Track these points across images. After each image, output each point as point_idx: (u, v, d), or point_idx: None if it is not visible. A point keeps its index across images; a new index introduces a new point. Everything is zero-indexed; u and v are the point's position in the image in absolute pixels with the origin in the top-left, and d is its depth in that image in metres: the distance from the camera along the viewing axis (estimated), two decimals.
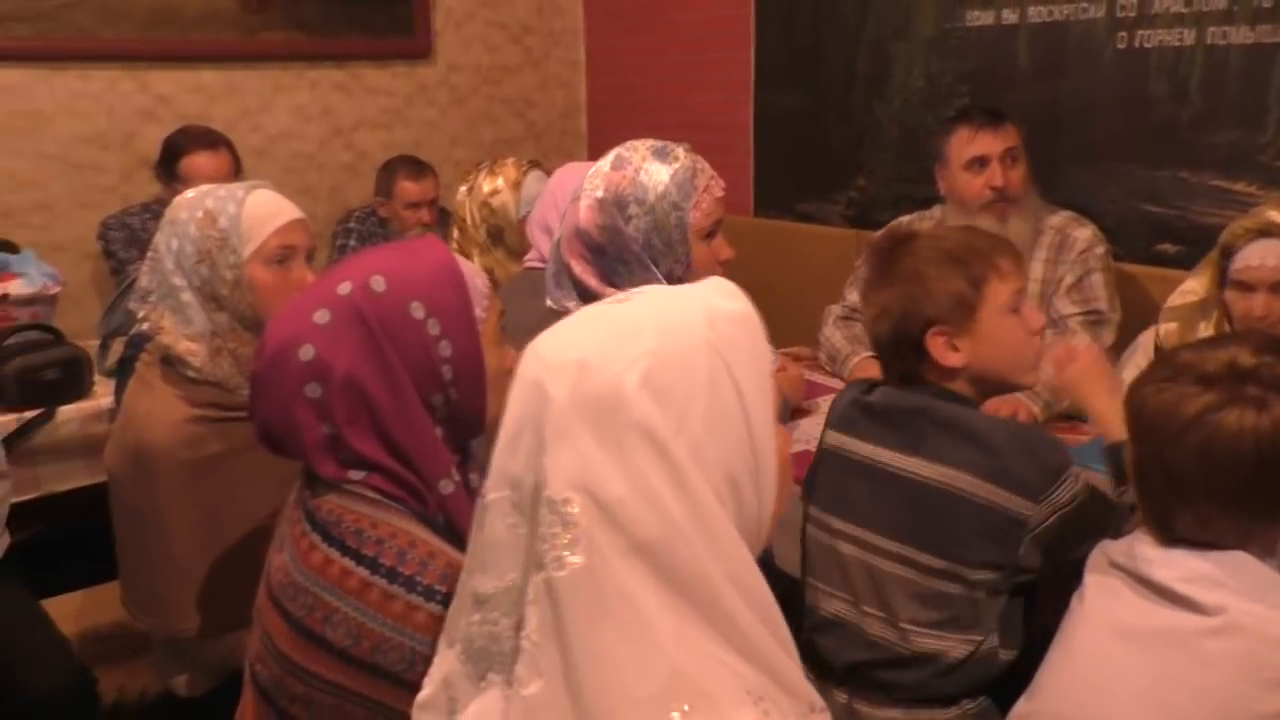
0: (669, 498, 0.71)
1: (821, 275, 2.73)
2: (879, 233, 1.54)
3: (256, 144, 3.27)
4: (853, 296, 2.39)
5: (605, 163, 1.48)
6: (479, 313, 1.10)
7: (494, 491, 0.77)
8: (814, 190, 3.11)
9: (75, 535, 2.23)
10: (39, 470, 2.19)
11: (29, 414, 2.16)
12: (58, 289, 2.42)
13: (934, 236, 1.38)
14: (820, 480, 1.43)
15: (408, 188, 3.03)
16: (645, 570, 0.70)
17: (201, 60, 3.17)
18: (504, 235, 2.44)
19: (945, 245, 1.33)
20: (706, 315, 0.76)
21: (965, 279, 1.30)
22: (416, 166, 3.08)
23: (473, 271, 1.12)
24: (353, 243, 3.07)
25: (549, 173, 2.52)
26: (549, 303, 1.50)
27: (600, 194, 1.43)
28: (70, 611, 2.04)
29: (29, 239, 2.90)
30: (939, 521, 1.28)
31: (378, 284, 1.05)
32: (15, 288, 2.31)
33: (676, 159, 1.46)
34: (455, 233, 2.48)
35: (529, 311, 1.74)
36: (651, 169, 1.44)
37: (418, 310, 1.05)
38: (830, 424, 1.43)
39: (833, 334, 2.36)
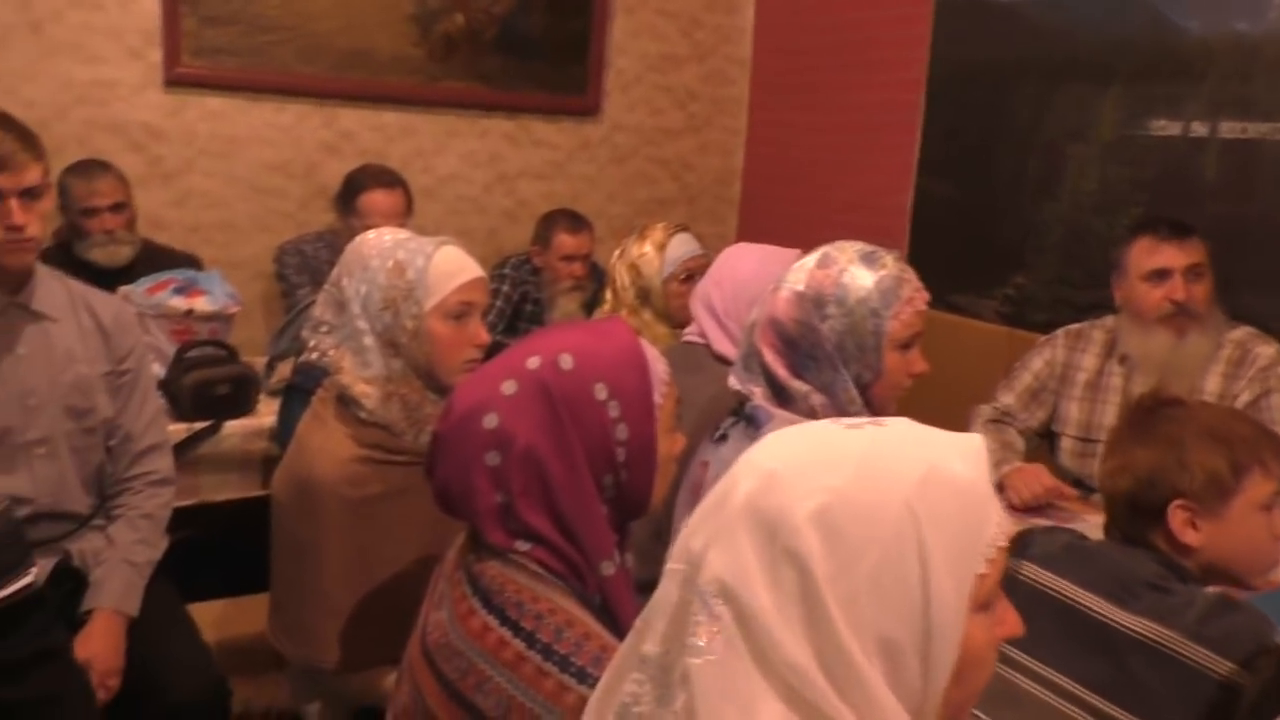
0: (805, 634, 0.69)
1: (971, 370, 2.67)
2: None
3: (426, 184, 3.42)
4: (1006, 399, 2.33)
5: (811, 259, 1.47)
6: (657, 398, 1.11)
7: (674, 563, 0.78)
8: (970, 283, 3.05)
9: (222, 544, 2.33)
10: (199, 479, 2.31)
11: (198, 425, 2.28)
12: (236, 309, 2.56)
13: (1203, 409, 1.35)
14: None
15: (565, 240, 3.11)
16: (770, 689, 0.69)
17: (385, 101, 3.34)
18: (650, 297, 2.48)
19: (1213, 422, 1.30)
20: (925, 472, 0.72)
21: (1228, 462, 1.26)
22: (575, 220, 3.16)
23: (655, 357, 1.14)
24: (505, 288, 3.16)
25: (696, 236, 2.56)
26: (733, 382, 1.50)
27: (801, 288, 1.43)
28: (211, 619, 2.13)
29: (211, 255, 3.09)
30: (1141, 679, 1.22)
31: (565, 362, 1.08)
32: (200, 304, 2.45)
33: (884, 266, 1.44)
34: (608, 294, 2.54)
35: (685, 386, 1.77)
36: (856, 272, 1.43)
37: (601, 391, 1.08)
38: (1029, 557, 1.37)
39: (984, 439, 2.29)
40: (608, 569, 1.09)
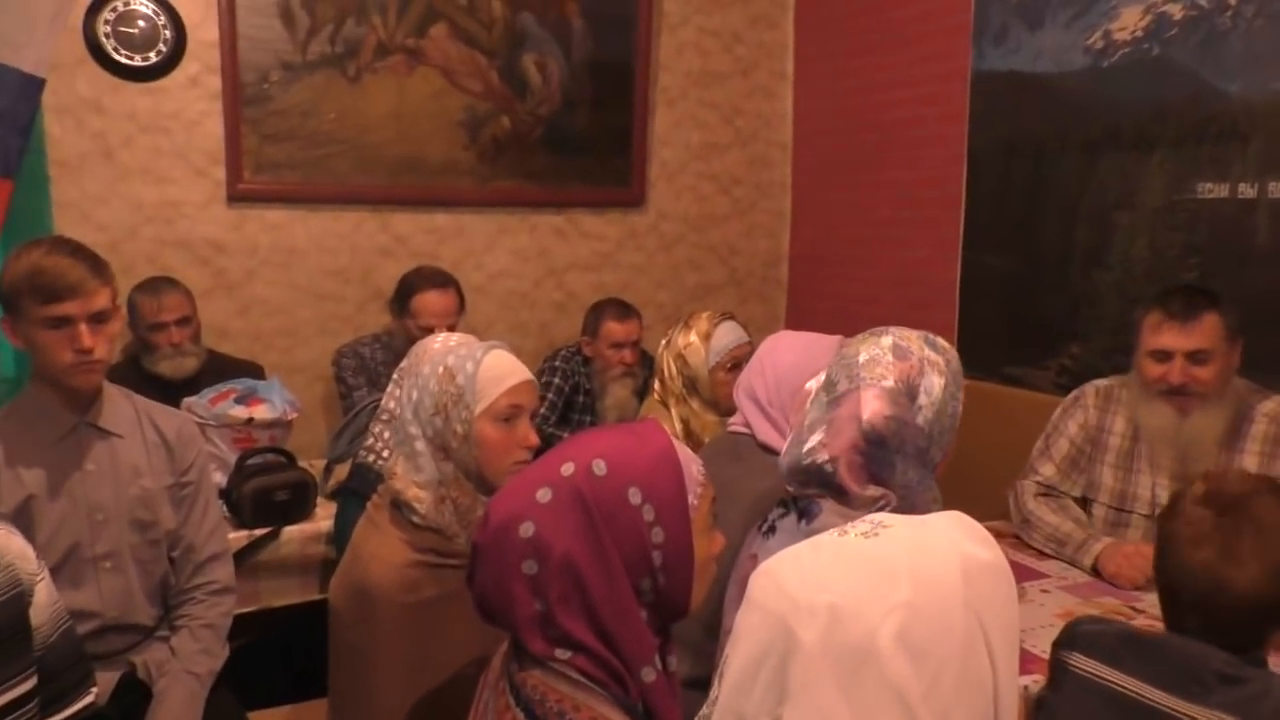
0: None
1: (1027, 444, 2.62)
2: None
3: (478, 281, 3.50)
4: (1046, 469, 2.28)
5: (881, 349, 1.42)
6: (692, 500, 1.11)
7: None
8: (1022, 355, 3.01)
9: (282, 649, 2.36)
10: (260, 585, 2.35)
11: (259, 532, 2.33)
12: (294, 415, 2.63)
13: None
14: (1063, 706, 1.33)
15: (613, 328, 3.16)
16: None
17: (437, 204, 3.45)
18: (697, 386, 2.49)
19: None
20: (963, 566, 0.72)
21: None
22: (622, 308, 3.21)
23: (689, 459, 1.14)
24: (556, 380, 3.20)
25: (745, 319, 2.57)
26: (788, 483, 1.46)
27: (890, 383, 1.39)
28: None
29: (272, 360, 3.19)
30: None
31: (599, 467, 1.09)
32: (260, 412, 2.53)
33: (945, 348, 1.44)
34: (656, 384, 2.55)
35: (729, 476, 1.76)
36: (931, 358, 1.42)
37: (635, 496, 1.08)
38: (1079, 648, 1.32)
39: (1045, 513, 2.23)
40: (649, 675, 1.08)
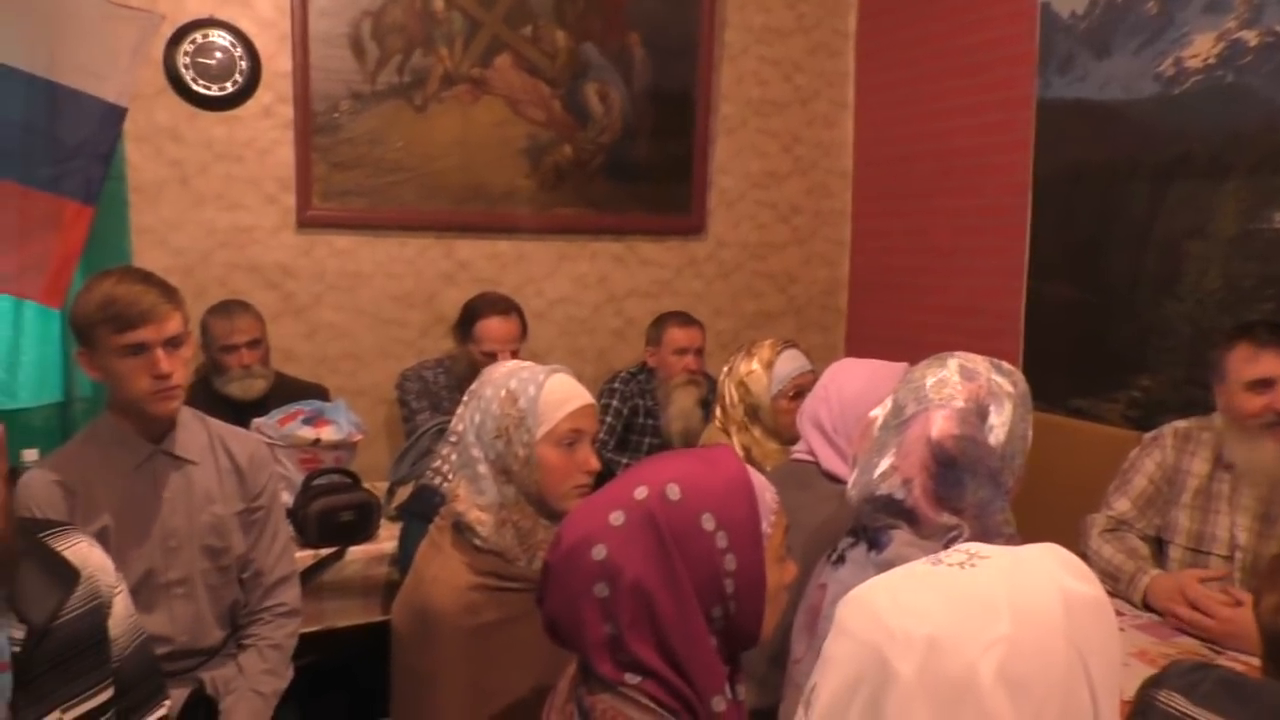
0: None
1: (1095, 475, 2.55)
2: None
3: (538, 308, 3.53)
4: (1120, 505, 2.22)
5: (947, 371, 1.42)
6: (766, 528, 1.11)
7: None
8: (1089, 387, 2.95)
9: (345, 669, 2.38)
10: (324, 605, 2.37)
11: (324, 552, 2.36)
12: (360, 436, 2.67)
13: None
14: None
15: (676, 334, 3.23)
16: None
17: (499, 231, 3.50)
18: (759, 414, 2.48)
19: None
20: (1064, 600, 0.70)
21: None
22: (685, 316, 3.32)
23: (763, 485, 1.14)
24: (614, 403, 3.22)
25: (805, 348, 2.55)
26: (857, 512, 1.45)
27: (960, 404, 1.39)
28: None
29: (337, 384, 3.24)
30: None
31: (673, 492, 1.09)
32: (327, 433, 2.57)
33: (1011, 372, 1.43)
34: (718, 411, 2.54)
35: (795, 504, 1.75)
36: (998, 379, 1.41)
37: (708, 522, 1.08)
38: (1172, 687, 1.28)
39: (1104, 549, 2.18)
40: (720, 704, 1.07)
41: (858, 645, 0.71)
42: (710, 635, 1.09)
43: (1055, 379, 3.05)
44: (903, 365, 1.73)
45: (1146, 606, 2.01)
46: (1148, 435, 2.30)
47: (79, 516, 1.75)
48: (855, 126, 3.99)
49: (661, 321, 3.30)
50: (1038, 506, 1.56)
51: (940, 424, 1.36)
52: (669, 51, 3.62)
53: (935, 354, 1.50)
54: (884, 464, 1.38)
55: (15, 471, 2.00)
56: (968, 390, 1.39)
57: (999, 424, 1.38)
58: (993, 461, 1.37)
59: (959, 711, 0.66)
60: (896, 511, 1.37)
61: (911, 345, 3.55)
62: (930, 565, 0.76)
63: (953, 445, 1.35)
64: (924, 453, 1.36)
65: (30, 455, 2.31)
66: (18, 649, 1.19)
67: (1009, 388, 1.42)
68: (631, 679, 1.07)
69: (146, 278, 1.77)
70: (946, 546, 1.36)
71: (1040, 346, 3.13)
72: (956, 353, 1.49)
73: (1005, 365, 1.46)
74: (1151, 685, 1.29)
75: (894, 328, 3.82)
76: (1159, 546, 2.20)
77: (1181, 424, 2.23)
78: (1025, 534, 1.19)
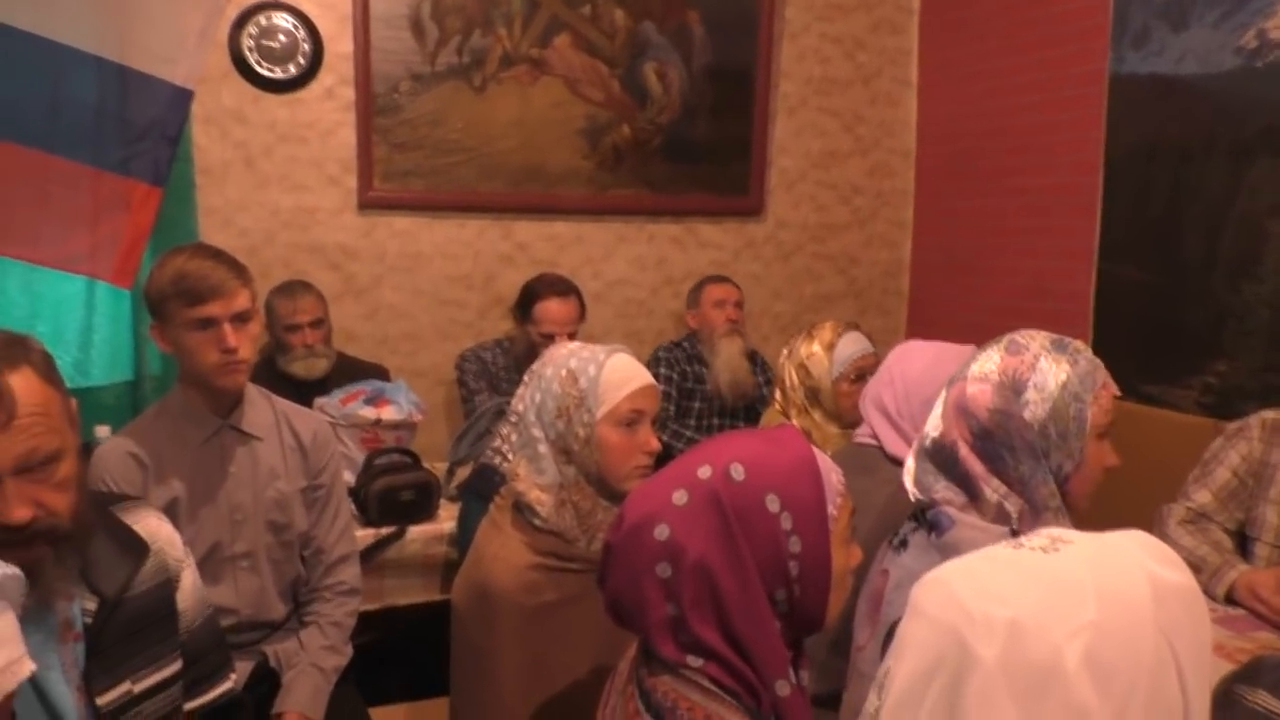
0: None
1: (1168, 464, 2.47)
2: None
3: (596, 289, 3.52)
4: (1201, 497, 2.14)
5: (996, 347, 1.42)
6: (832, 510, 1.08)
7: None
8: (1162, 372, 2.86)
9: (405, 647, 2.40)
10: (384, 583, 2.40)
11: (384, 531, 2.38)
12: (420, 417, 2.69)
13: None
14: None
15: (712, 289, 3.30)
16: None
17: (557, 212, 3.49)
18: (820, 397, 2.44)
19: None
20: (1152, 586, 0.68)
21: None
22: (720, 276, 3.39)
23: (829, 467, 1.11)
24: (662, 370, 3.22)
25: (865, 331, 2.51)
26: (910, 487, 1.44)
27: (995, 378, 1.38)
28: None
29: (397, 364, 3.27)
30: None
31: (737, 472, 1.07)
32: (387, 414, 2.59)
33: (1077, 350, 1.40)
34: (777, 393, 2.51)
35: (858, 489, 1.72)
36: (1051, 358, 1.38)
37: (773, 503, 1.06)
38: (1264, 685, 1.24)
39: (1184, 539, 2.10)
40: (783, 689, 1.05)
41: (935, 628, 0.69)
42: (774, 618, 1.07)
43: (1126, 364, 2.96)
44: (969, 347, 1.69)
45: (1229, 601, 1.94)
46: (1232, 425, 2.21)
47: (151, 487, 1.79)
48: (919, 105, 3.91)
49: (698, 284, 3.37)
50: (1104, 495, 1.51)
51: (971, 397, 1.37)
52: (729, 29, 3.58)
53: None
54: (929, 428, 1.41)
55: (88, 447, 2.05)
56: (1005, 364, 1.38)
57: (1037, 399, 1.35)
58: (1029, 435, 1.34)
59: (1043, 698, 0.64)
60: (951, 471, 1.36)
61: (976, 328, 3.47)
62: (1011, 549, 0.73)
63: (987, 419, 1.35)
64: (961, 425, 1.38)
65: (103, 431, 2.36)
66: (90, 620, 1.22)
67: (1065, 365, 1.38)
68: (693, 661, 1.06)
69: (217, 254, 1.80)
70: (1002, 524, 1.34)
71: (1110, 330, 3.04)
72: (1027, 330, 1.46)
73: (1074, 344, 1.42)
74: (1237, 680, 1.25)
75: (958, 310, 3.74)
76: (1241, 542, 2.12)
77: (1270, 414, 2.14)
78: (1092, 523, 1.15)
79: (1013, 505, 1.36)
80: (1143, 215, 2.92)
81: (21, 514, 1.09)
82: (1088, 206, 3.09)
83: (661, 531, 1.07)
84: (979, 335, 1.62)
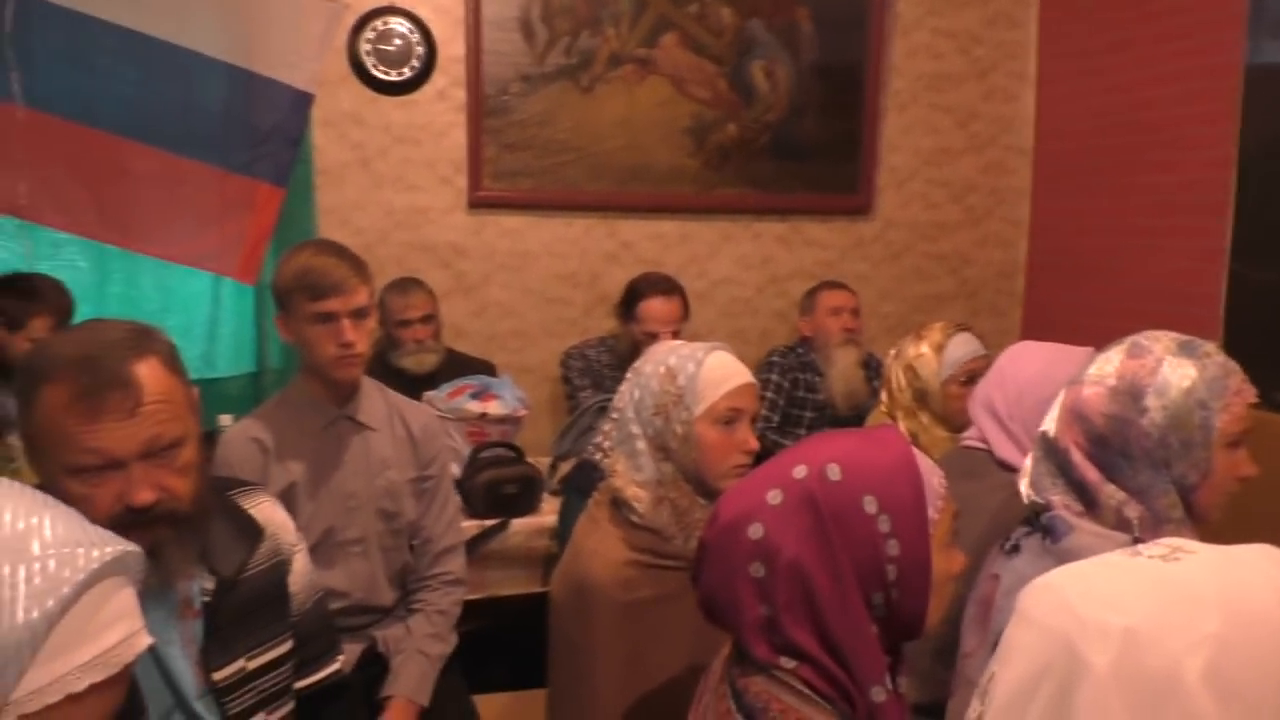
0: None
1: None
2: None
3: (700, 288, 3.52)
4: None
5: (1118, 349, 1.36)
6: (932, 513, 1.06)
7: None
8: None
9: (507, 638, 2.45)
10: (487, 574, 2.45)
11: (488, 523, 2.43)
12: (525, 412, 2.74)
13: None
14: None
15: (829, 296, 3.24)
16: None
17: (663, 211, 3.50)
18: (928, 400, 2.38)
19: None
20: None
21: None
22: (837, 282, 3.32)
23: (930, 469, 1.08)
24: (774, 376, 3.19)
25: (977, 333, 2.44)
26: (1024, 490, 1.39)
27: (1112, 381, 1.32)
28: (495, 711, 2.22)
29: (505, 360, 3.33)
30: None
31: (833, 472, 1.05)
32: (493, 408, 2.64)
33: (1207, 354, 1.32)
34: (883, 394, 2.46)
35: (965, 493, 1.67)
36: (1175, 361, 1.31)
37: (870, 505, 1.04)
38: None
39: None
40: (879, 695, 1.03)
41: (1044, 633, 0.66)
42: (870, 622, 1.05)
43: (1259, 370, 2.77)
44: (1086, 350, 1.62)
45: None
46: None
47: (271, 472, 1.87)
48: (1037, 100, 3.77)
49: (813, 290, 3.31)
50: (1239, 507, 1.43)
51: (1087, 401, 1.32)
52: (838, 25, 3.53)
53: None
54: (1045, 426, 1.37)
55: (210, 435, 2.15)
56: (1125, 368, 1.31)
57: (1157, 406, 1.28)
58: (1147, 443, 1.27)
59: (1160, 711, 0.61)
60: (1065, 476, 1.30)
61: (1096, 331, 3.33)
62: (1128, 556, 0.70)
63: (1102, 425, 1.29)
64: (1077, 429, 1.32)
65: (225, 420, 2.48)
66: (208, 599, 1.27)
67: (1191, 369, 1.30)
68: (787, 663, 1.05)
69: (340, 251, 1.88)
70: (1123, 531, 1.28)
71: (1242, 335, 2.88)
72: (1154, 331, 1.39)
73: (1204, 347, 1.34)
74: None
75: (1077, 313, 3.60)
76: None
77: None
78: (1220, 537, 1.09)
79: (1133, 511, 1.30)
80: (1278, 214, 2.76)
81: (146, 496, 1.15)
82: (1219, 204, 2.93)
83: (755, 530, 1.06)
84: (1099, 339, 1.55)
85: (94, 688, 0.72)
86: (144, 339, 1.21)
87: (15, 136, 2.46)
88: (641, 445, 1.60)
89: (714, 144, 3.49)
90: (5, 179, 2.47)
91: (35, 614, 0.67)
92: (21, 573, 0.68)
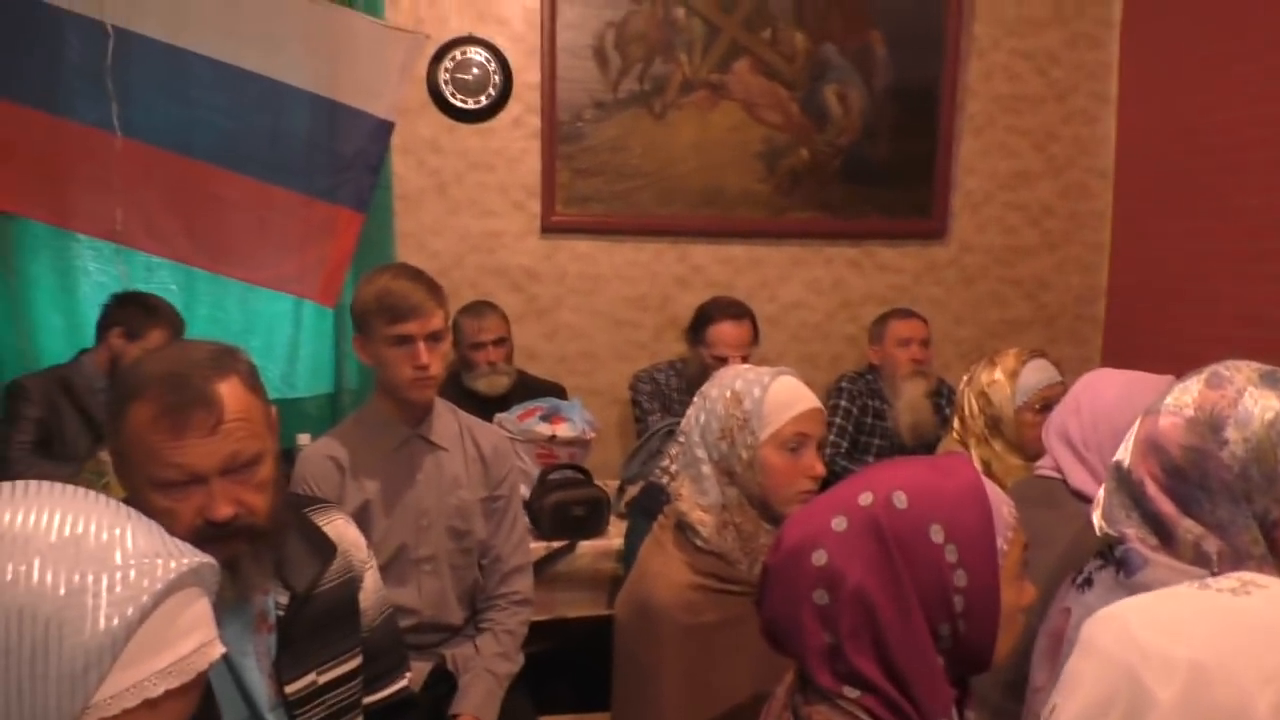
0: None
1: None
2: None
3: (771, 313, 3.51)
4: None
5: (1197, 378, 1.31)
6: (1001, 544, 1.04)
7: None
8: None
9: (573, 659, 2.45)
10: (555, 595, 2.46)
11: (556, 544, 2.45)
12: (593, 435, 2.75)
13: None
14: None
15: (898, 326, 3.19)
16: None
17: (733, 235, 3.51)
18: (1001, 427, 2.33)
19: None
20: None
21: None
22: (907, 310, 3.27)
23: (1000, 499, 1.06)
24: (843, 402, 3.16)
25: (1056, 359, 2.38)
26: (1098, 522, 1.35)
27: (1190, 411, 1.28)
28: None
29: (574, 383, 3.36)
30: None
31: (900, 500, 1.04)
32: (562, 430, 2.67)
33: None
34: (955, 422, 2.42)
35: (1039, 523, 1.63)
36: (1258, 393, 1.26)
37: (937, 534, 1.02)
38: None
39: None
40: None
41: (1107, 665, 0.65)
42: (936, 654, 1.03)
43: None
44: (1166, 377, 1.57)
45: None
46: None
47: (347, 490, 1.91)
48: (1118, 122, 3.69)
49: (883, 318, 3.27)
50: None
51: (1164, 431, 1.26)
52: (912, 47, 3.51)
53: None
54: (1120, 456, 1.32)
55: (288, 453, 2.21)
56: (1203, 398, 1.26)
57: (1238, 438, 1.23)
58: (1228, 478, 1.22)
59: None
60: (1131, 507, 1.26)
61: (1180, 359, 3.22)
62: (1195, 588, 0.68)
63: (1179, 456, 1.24)
64: (1153, 460, 1.27)
65: (304, 439, 2.55)
66: (282, 613, 1.31)
67: (1274, 401, 1.25)
68: (850, 692, 1.03)
69: (417, 275, 1.92)
70: (1201, 566, 1.24)
71: None
72: (1235, 360, 1.34)
73: None
74: None
75: (1162, 340, 3.49)
76: None
77: None
78: None
79: (1211, 546, 1.26)
80: None
81: (225, 511, 1.19)
82: None
83: (819, 557, 1.05)
84: (1183, 367, 1.50)
85: (169, 694, 0.74)
86: (226, 359, 1.25)
87: (113, 165, 2.57)
88: (707, 469, 1.60)
89: (785, 168, 3.49)
90: (103, 205, 2.59)
91: (116, 621, 0.70)
92: (105, 581, 0.71)
